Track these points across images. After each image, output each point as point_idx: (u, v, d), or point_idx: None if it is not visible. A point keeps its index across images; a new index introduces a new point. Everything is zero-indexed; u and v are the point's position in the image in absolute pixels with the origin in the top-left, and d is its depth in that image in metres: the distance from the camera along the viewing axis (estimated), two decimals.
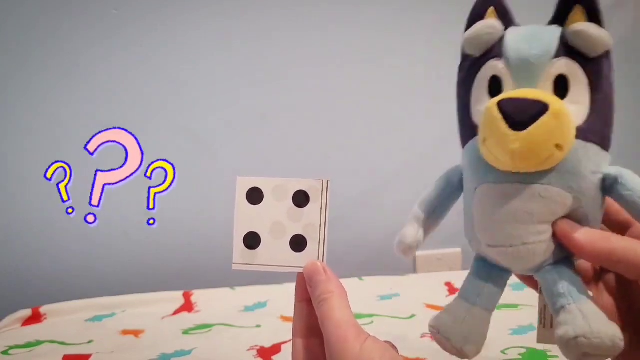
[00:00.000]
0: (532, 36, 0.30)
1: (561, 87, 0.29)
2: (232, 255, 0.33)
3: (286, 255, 0.33)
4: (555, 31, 0.30)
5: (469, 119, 0.32)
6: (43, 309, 0.77)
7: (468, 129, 0.32)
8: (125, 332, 0.71)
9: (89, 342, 0.67)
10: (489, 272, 0.33)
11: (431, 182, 0.35)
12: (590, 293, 0.30)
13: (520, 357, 0.55)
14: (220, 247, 0.88)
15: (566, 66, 0.29)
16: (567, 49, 0.29)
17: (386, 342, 0.30)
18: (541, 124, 0.27)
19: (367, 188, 1.08)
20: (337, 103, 1.06)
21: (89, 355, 0.63)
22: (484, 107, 0.29)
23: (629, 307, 0.33)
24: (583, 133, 0.29)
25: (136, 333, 0.70)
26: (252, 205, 0.33)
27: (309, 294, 0.32)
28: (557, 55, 0.29)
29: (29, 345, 0.67)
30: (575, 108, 0.29)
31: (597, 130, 0.29)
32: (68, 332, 0.71)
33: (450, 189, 0.34)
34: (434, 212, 0.35)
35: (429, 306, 0.74)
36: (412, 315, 0.71)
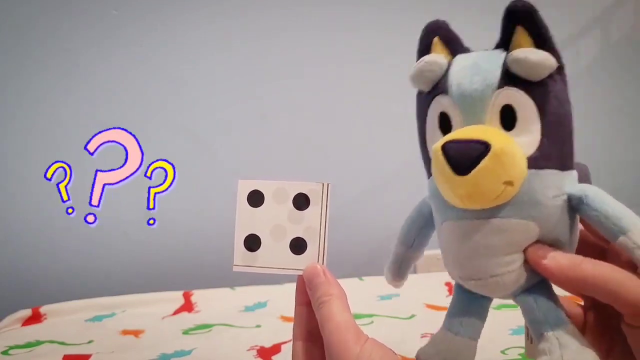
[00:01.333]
0: (472, 68, 0.29)
1: (508, 117, 0.29)
2: (233, 256, 0.34)
3: (286, 257, 0.33)
4: (498, 59, 0.29)
5: (427, 154, 0.32)
6: (43, 309, 0.77)
7: (428, 163, 0.32)
8: (125, 332, 0.70)
9: (89, 342, 0.67)
10: (469, 300, 0.33)
11: None
12: (567, 317, 0.29)
13: (520, 357, 0.55)
14: (220, 247, 0.88)
15: (510, 96, 0.28)
16: (509, 76, 0.28)
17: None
18: (483, 167, 0.26)
19: (367, 188, 1.08)
20: (337, 103, 1.06)
21: (89, 355, 0.62)
22: (433, 147, 0.29)
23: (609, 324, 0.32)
24: (535, 162, 0.28)
25: (136, 333, 0.70)
26: (253, 208, 0.34)
27: (308, 297, 0.32)
28: (500, 85, 0.28)
29: (29, 345, 0.67)
30: (524, 138, 0.28)
31: (551, 154, 0.29)
32: (68, 332, 0.71)
33: (424, 221, 0.35)
34: (412, 244, 0.36)
35: (429, 306, 0.74)
36: (412, 316, 0.71)
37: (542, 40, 0.28)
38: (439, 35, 0.32)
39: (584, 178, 0.32)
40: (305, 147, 1.05)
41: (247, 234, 0.34)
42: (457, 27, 0.33)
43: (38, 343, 0.67)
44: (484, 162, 0.26)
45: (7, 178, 0.97)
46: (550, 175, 0.29)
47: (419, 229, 0.35)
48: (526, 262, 0.29)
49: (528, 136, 0.28)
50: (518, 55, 0.28)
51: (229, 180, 1.03)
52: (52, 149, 0.97)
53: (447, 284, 0.82)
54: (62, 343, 0.67)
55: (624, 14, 1.13)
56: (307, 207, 0.33)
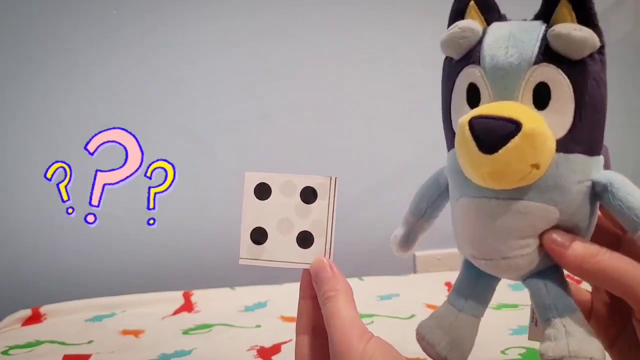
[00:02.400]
0: (509, 40, 0.28)
1: (542, 95, 0.27)
2: (238, 250, 0.33)
3: (293, 251, 0.33)
4: (537, 31, 0.28)
5: (451, 126, 0.31)
6: (43, 309, 0.77)
7: (450, 136, 0.31)
8: (125, 332, 0.70)
9: (89, 342, 0.67)
10: (477, 277, 0.32)
11: None
12: (575, 304, 0.29)
13: (520, 357, 0.55)
14: (220, 247, 0.89)
15: (547, 73, 0.27)
16: (548, 52, 0.27)
17: None
18: (512, 147, 0.25)
19: (367, 188, 1.08)
20: (337, 103, 1.06)
21: (89, 355, 0.62)
22: (459, 120, 0.27)
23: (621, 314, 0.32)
24: (565, 145, 0.27)
25: (136, 333, 0.70)
26: (260, 201, 0.33)
27: (314, 291, 0.32)
28: (537, 61, 0.27)
29: (29, 345, 0.67)
30: (557, 118, 0.27)
31: (582, 138, 0.28)
32: (68, 332, 0.71)
33: (438, 191, 0.34)
34: (424, 213, 0.35)
35: (429, 306, 0.74)
36: (412, 315, 0.71)
37: (586, 16, 0.26)
38: (475, 1, 0.30)
39: (606, 159, 0.31)
40: (305, 147, 1.05)
41: (253, 227, 0.33)
42: None
43: (38, 343, 0.67)
44: (513, 142, 0.25)
45: (7, 178, 0.97)
46: (578, 160, 0.28)
47: (432, 199, 0.34)
48: (541, 246, 0.28)
49: (560, 117, 0.27)
50: (561, 30, 0.26)
51: (229, 180, 1.03)
52: (52, 149, 0.97)
53: (447, 284, 0.82)
54: (62, 343, 0.67)
55: (624, 14, 1.13)
56: (315, 200, 0.33)
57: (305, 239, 0.33)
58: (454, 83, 0.30)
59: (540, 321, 0.29)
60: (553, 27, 0.27)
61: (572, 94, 0.27)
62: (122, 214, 1.01)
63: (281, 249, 0.33)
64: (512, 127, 0.25)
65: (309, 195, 0.33)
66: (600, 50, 0.27)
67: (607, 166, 0.30)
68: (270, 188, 0.33)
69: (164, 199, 1.11)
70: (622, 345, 0.32)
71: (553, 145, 0.27)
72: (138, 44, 0.97)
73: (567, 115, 0.27)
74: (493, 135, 0.26)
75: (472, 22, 0.30)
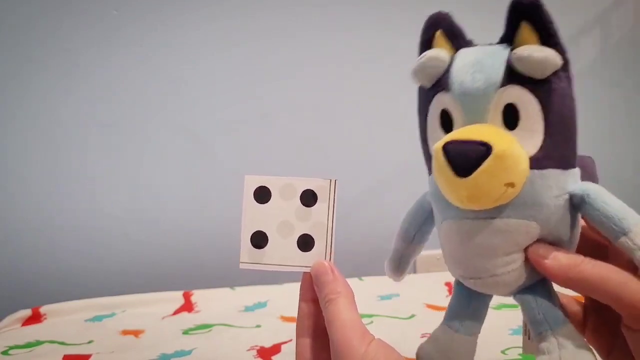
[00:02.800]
0: (475, 65, 0.29)
1: (511, 116, 0.28)
2: (238, 254, 0.33)
3: (293, 254, 0.33)
4: (501, 55, 0.28)
5: (428, 151, 0.32)
6: (43, 309, 0.77)
7: (429, 161, 0.32)
8: (125, 332, 0.70)
9: (89, 342, 0.67)
10: (469, 296, 0.33)
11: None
12: (566, 316, 0.29)
13: (520, 357, 0.55)
14: (220, 247, 0.89)
15: (514, 94, 0.28)
16: (513, 74, 0.27)
17: None
18: (485, 169, 0.26)
19: (367, 188, 1.08)
20: (337, 103, 1.06)
21: (89, 355, 0.62)
22: (434, 146, 0.28)
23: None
24: (538, 162, 0.28)
25: (136, 333, 0.70)
26: (260, 204, 0.33)
27: (315, 293, 0.32)
28: (503, 83, 0.28)
29: (29, 345, 0.67)
30: (527, 137, 0.28)
31: (554, 154, 0.28)
32: (68, 332, 0.71)
33: (424, 216, 0.34)
34: (413, 240, 0.35)
35: (429, 306, 0.74)
36: (412, 315, 0.71)
37: (547, 36, 0.27)
38: (441, 29, 0.31)
39: (590, 171, 0.31)
40: (305, 147, 1.05)
41: (253, 231, 0.33)
42: (460, 21, 0.32)
43: (38, 343, 0.67)
44: (485, 165, 0.26)
45: (7, 178, 0.97)
46: (553, 175, 0.28)
47: (419, 225, 0.35)
48: (527, 260, 0.29)
49: (531, 135, 0.28)
50: (522, 52, 0.27)
51: (229, 180, 1.03)
52: (52, 149, 0.97)
53: (447, 284, 0.82)
54: (62, 343, 0.67)
55: (624, 14, 1.13)
56: (315, 203, 0.33)
57: (305, 242, 0.33)
58: (427, 110, 0.31)
59: (533, 335, 0.30)
60: (515, 50, 0.27)
61: (540, 112, 0.28)
62: (122, 214, 1.01)
63: (282, 252, 0.33)
64: (483, 150, 0.26)
65: (309, 198, 0.33)
66: (565, 68, 0.28)
67: (592, 177, 0.31)
68: (270, 191, 0.33)
69: (164, 199, 1.12)
70: (618, 354, 0.32)
71: (526, 164, 0.27)
72: (138, 44, 0.97)
73: (537, 133, 0.28)
74: (466, 159, 0.26)
75: (439, 51, 0.30)
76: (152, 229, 1.02)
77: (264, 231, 0.33)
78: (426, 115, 0.31)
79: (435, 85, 0.30)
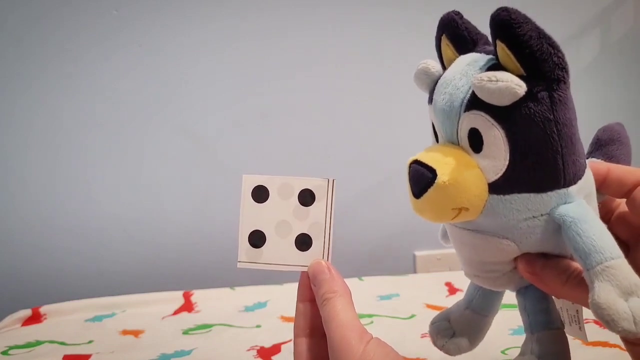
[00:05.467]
0: (449, 85, 0.29)
1: (475, 140, 0.28)
2: (237, 253, 0.33)
3: (291, 254, 0.33)
4: (476, 73, 0.28)
5: None
6: (43, 309, 0.77)
7: None
8: (125, 332, 0.70)
9: (89, 342, 0.67)
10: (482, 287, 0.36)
11: None
12: (552, 320, 0.32)
13: None
14: (220, 247, 0.89)
15: (475, 120, 0.27)
16: (477, 99, 0.27)
17: None
18: (428, 196, 0.27)
19: (367, 188, 1.08)
20: (338, 103, 1.06)
21: (89, 355, 0.62)
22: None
23: None
24: (498, 188, 0.27)
25: (136, 333, 0.70)
26: (258, 204, 0.33)
27: (312, 293, 0.32)
28: (467, 107, 0.27)
29: (29, 345, 0.67)
30: (489, 163, 0.27)
31: (522, 179, 0.27)
32: (68, 332, 0.71)
33: None
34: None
35: (429, 306, 0.74)
36: (412, 315, 0.71)
37: (523, 56, 0.26)
38: (445, 33, 0.31)
39: (622, 139, 0.34)
40: (305, 147, 1.05)
41: (251, 230, 0.33)
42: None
43: (38, 343, 0.67)
44: (429, 192, 0.27)
45: (7, 178, 0.97)
46: (520, 200, 0.27)
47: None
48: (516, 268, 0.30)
49: (493, 161, 0.27)
50: (477, 82, 0.26)
51: (228, 180, 1.03)
52: (52, 149, 0.97)
53: (447, 284, 0.82)
54: (62, 343, 0.67)
55: (624, 14, 1.13)
56: (313, 203, 0.33)
57: (303, 242, 0.33)
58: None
59: (525, 332, 0.33)
60: (475, 77, 0.26)
61: (504, 138, 0.27)
62: (122, 214, 1.01)
63: (280, 252, 0.33)
64: (429, 178, 0.27)
65: (306, 197, 0.33)
66: (548, 88, 0.26)
67: (623, 143, 0.34)
68: (267, 191, 0.33)
69: (164, 199, 1.11)
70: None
71: (478, 189, 0.28)
72: (138, 44, 0.97)
73: (499, 160, 0.27)
74: (416, 182, 0.28)
75: (431, 63, 0.31)
76: (152, 229, 1.02)
77: (262, 230, 0.33)
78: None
79: (430, 94, 0.31)
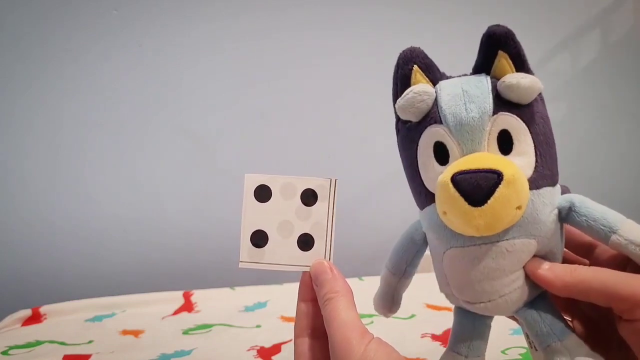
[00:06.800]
0: (465, 97, 0.30)
1: (506, 141, 0.29)
2: (237, 253, 0.33)
3: (293, 253, 0.33)
4: (485, 85, 0.30)
5: (421, 185, 0.32)
6: (43, 309, 0.77)
7: (422, 195, 0.32)
8: (125, 332, 0.70)
9: (89, 342, 0.67)
10: (474, 321, 0.33)
11: None
12: (570, 326, 0.31)
13: (521, 357, 0.55)
14: (220, 247, 0.89)
15: (505, 121, 0.29)
16: (501, 102, 0.29)
17: None
18: (499, 196, 0.27)
19: (367, 188, 1.08)
20: (337, 103, 1.06)
21: (89, 355, 0.62)
22: (437, 179, 0.29)
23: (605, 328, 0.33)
24: (534, 182, 0.29)
25: (136, 333, 0.70)
26: (260, 203, 0.33)
27: (314, 293, 0.32)
28: (495, 111, 0.29)
29: (29, 345, 0.67)
30: (523, 160, 0.29)
31: (546, 172, 0.30)
32: (68, 332, 0.71)
33: (415, 248, 0.35)
34: (405, 272, 0.36)
35: (429, 306, 0.74)
36: (412, 315, 0.71)
37: (521, 62, 0.29)
38: (416, 64, 0.32)
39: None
40: (305, 147, 1.05)
41: (253, 230, 0.33)
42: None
43: (38, 343, 0.67)
44: (499, 191, 0.27)
45: (7, 178, 0.97)
46: (547, 193, 0.30)
47: (411, 258, 0.36)
48: (527, 277, 0.30)
49: (525, 158, 0.29)
50: (510, 81, 0.29)
51: (228, 180, 1.03)
52: (52, 149, 0.97)
53: None
54: (62, 343, 0.67)
55: (624, 14, 1.13)
56: (315, 202, 0.33)
57: (305, 242, 0.33)
58: (416, 144, 0.32)
59: (539, 348, 0.31)
60: (503, 79, 0.29)
61: (529, 135, 0.29)
62: (122, 214, 1.01)
63: (282, 252, 0.33)
64: (495, 177, 0.27)
65: (309, 197, 0.33)
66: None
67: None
68: (270, 190, 0.33)
69: (163, 199, 1.11)
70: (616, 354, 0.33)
71: (527, 186, 0.28)
72: (138, 44, 0.97)
73: (530, 155, 0.29)
74: (479, 188, 0.27)
75: (425, 86, 0.31)
76: (152, 229, 1.02)
77: (264, 230, 0.33)
78: (415, 149, 0.32)
79: (425, 119, 0.31)
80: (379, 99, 1.06)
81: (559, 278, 0.29)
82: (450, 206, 0.28)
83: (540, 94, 0.30)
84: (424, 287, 0.83)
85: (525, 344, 0.34)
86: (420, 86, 0.31)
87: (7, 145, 0.96)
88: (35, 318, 0.76)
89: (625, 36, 1.14)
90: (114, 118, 0.98)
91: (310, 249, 0.33)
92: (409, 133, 0.32)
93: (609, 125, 1.16)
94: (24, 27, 0.93)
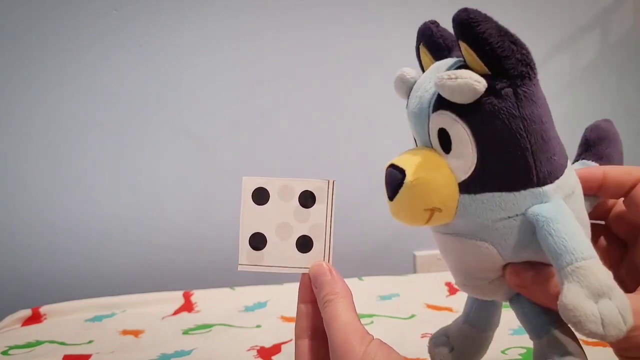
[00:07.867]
0: (419, 89, 0.30)
1: (445, 140, 0.28)
2: (237, 254, 0.33)
3: (292, 256, 0.33)
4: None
5: None
6: (43, 309, 0.77)
7: None
8: (125, 332, 0.70)
9: (89, 342, 0.67)
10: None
11: None
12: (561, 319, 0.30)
13: (521, 357, 0.55)
14: (220, 247, 0.89)
15: (442, 120, 0.27)
16: (443, 99, 0.27)
17: None
18: (400, 197, 0.28)
19: (367, 188, 1.08)
20: (337, 103, 1.06)
21: (89, 355, 0.62)
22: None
23: None
24: (467, 187, 0.28)
25: (136, 333, 0.70)
26: (258, 206, 0.33)
27: (313, 294, 0.32)
28: (435, 108, 0.28)
29: (29, 345, 0.67)
30: (458, 162, 0.27)
31: (490, 177, 0.27)
32: (68, 332, 0.71)
33: None
34: None
35: (429, 306, 0.74)
36: (412, 315, 0.71)
37: (484, 54, 0.26)
38: (422, 42, 0.32)
39: (605, 139, 0.34)
40: (305, 147, 1.05)
41: (252, 233, 0.33)
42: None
43: (38, 343, 0.67)
44: (400, 192, 0.28)
45: (7, 178, 0.97)
46: (492, 199, 0.27)
47: None
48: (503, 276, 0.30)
49: (462, 160, 0.27)
50: (438, 80, 0.26)
51: (228, 180, 1.03)
52: (52, 149, 0.97)
53: (447, 284, 0.82)
54: (62, 343, 0.67)
55: (624, 14, 1.13)
56: (313, 204, 0.33)
57: (304, 244, 0.33)
58: None
59: (533, 338, 0.31)
60: (438, 76, 0.27)
61: (471, 137, 0.27)
62: (122, 214, 1.01)
63: (280, 254, 0.33)
64: (400, 178, 0.27)
65: (307, 199, 0.33)
66: (512, 85, 0.26)
67: (612, 140, 0.35)
68: (268, 193, 0.33)
69: (164, 199, 1.11)
70: (628, 264, 0.33)
71: (449, 189, 0.28)
72: (138, 44, 0.97)
73: (467, 159, 0.27)
74: (390, 184, 0.28)
75: (407, 70, 0.31)
76: (152, 229, 1.02)
77: (263, 233, 0.33)
78: None
79: (407, 100, 0.32)
80: (379, 100, 1.06)
81: (537, 300, 0.29)
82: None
83: (518, 87, 0.26)
84: (424, 287, 0.84)
85: (525, 344, 0.35)
86: (403, 70, 0.31)
87: (7, 145, 0.96)
88: (35, 318, 0.76)
89: (625, 36, 1.14)
90: (114, 118, 0.98)
91: (309, 250, 0.33)
92: None
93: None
94: (24, 27, 0.93)
